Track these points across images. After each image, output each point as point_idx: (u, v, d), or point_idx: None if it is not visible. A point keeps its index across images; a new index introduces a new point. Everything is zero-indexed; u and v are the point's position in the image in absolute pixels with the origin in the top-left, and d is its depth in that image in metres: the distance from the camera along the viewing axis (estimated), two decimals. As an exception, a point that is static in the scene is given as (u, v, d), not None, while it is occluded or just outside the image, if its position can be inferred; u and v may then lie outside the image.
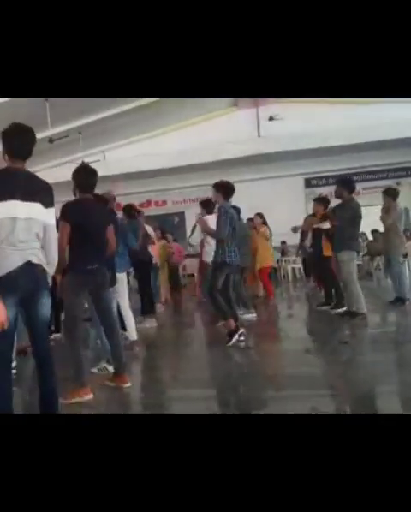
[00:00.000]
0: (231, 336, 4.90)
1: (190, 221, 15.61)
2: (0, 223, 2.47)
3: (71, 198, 3.69)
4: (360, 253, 10.52)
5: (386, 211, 6.75)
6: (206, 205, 6.14)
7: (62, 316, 4.65)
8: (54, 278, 3.46)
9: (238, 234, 5.37)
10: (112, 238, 3.83)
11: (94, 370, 4.06)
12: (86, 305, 4.22)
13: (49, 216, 2.69)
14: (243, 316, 6.14)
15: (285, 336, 5.70)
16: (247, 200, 5.88)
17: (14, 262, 2.47)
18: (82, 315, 3.68)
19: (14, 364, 4.05)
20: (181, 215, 15.81)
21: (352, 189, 6.09)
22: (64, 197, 3.79)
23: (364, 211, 6.06)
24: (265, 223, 8.59)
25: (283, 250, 13.30)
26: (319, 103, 10.72)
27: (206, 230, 5.47)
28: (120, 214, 6.03)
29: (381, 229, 7.53)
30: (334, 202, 6.69)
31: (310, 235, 8.05)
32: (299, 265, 12.59)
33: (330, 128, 11.41)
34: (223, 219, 5.04)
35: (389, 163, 13.73)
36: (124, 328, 5.10)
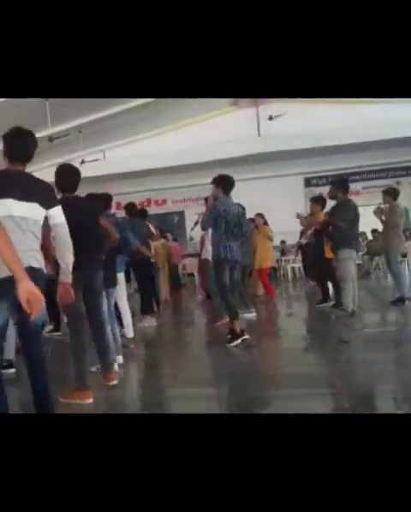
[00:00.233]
0: (233, 337, 4.88)
1: (190, 220, 15.65)
2: None
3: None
4: (360, 253, 10.54)
5: (387, 211, 6.77)
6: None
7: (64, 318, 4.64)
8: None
9: (244, 231, 5.34)
10: (109, 228, 3.76)
11: (93, 369, 4.06)
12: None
13: (55, 215, 2.69)
14: (243, 315, 6.15)
15: (285, 334, 5.71)
16: (246, 199, 5.86)
17: None
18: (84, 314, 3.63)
19: (12, 359, 4.06)
20: (181, 214, 15.82)
21: (346, 189, 6.10)
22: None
23: (364, 210, 6.07)
24: (266, 223, 8.60)
25: (283, 249, 13.31)
26: (320, 102, 10.70)
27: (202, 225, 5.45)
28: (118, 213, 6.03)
29: (381, 228, 7.55)
30: (331, 203, 6.70)
31: (307, 233, 8.11)
32: (299, 265, 12.60)
33: (330, 127, 11.41)
34: (210, 211, 5.05)
35: (389, 163, 13.74)
36: (122, 325, 5.13)
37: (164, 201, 16.08)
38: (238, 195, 5.46)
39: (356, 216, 5.92)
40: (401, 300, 6.62)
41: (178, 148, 12.25)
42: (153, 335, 6.21)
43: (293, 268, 12.82)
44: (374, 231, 11.78)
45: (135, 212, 7.04)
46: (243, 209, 5.64)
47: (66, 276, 2.93)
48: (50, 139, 9.63)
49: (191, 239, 7.86)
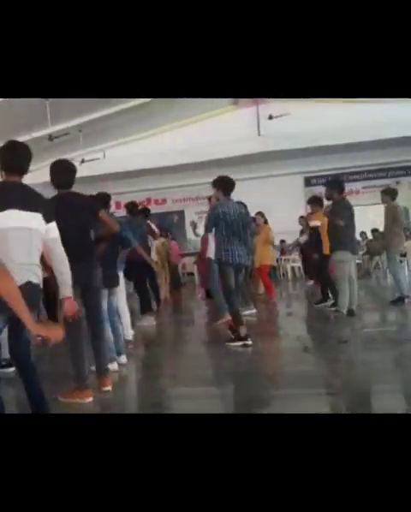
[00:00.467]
0: (235, 338, 4.88)
1: (190, 219, 15.66)
2: None
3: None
4: (360, 252, 10.56)
5: (387, 211, 6.80)
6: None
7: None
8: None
9: (251, 232, 5.34)
10: (108, 220, 3.66)
11: (93, 367, 4.06)
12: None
13: (53, 229, 2.68)
14: (242, 312, 6.14)
15: (284, 334, 5.71)
16: (246, 199, 5.87)
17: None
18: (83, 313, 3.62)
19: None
20: (181, 213, 15.83)
21: (341, 189, 6.16)
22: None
23: (363, 209, 6.10)
24: (266, 222, 8.60)
25: (283, 249, 13.31)
26: (320, 101, 10.69)
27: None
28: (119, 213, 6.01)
29: (381, 228, 7.58)
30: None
31: (306, 233, 8.16)
32: (298, 264, 12.60)
33: (330, 126, 11.40)
34: (209, 213, 5.03)
35: (388, 162, 13.73)
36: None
37: (164, 200, 16.07)
38: (238, 195, 5.45)
39: (351, 215, 5.95)
40: (400, 300, 6.63)
41: (177, 147, 12.24)
42: (153, 334, 6.22)
43: (293, 267, 12.82)
44: (374, 231, 11.79)
45: (136, 211, 7.04)
46: (245, 207, 5.60)
47: (67, 290, 2.86)
48: (50, 138, 9.62)
49: (197, 235, 7.90)
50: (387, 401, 3.04)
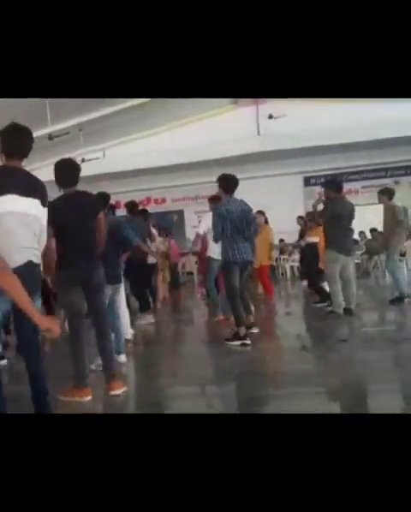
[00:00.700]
0: (234, 337, 4.88)
1: (189, 219, 15.64)
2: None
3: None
4: (358, 252, 10.57)
5: (386, 211, 6.83)
6: (215, 202, 6.09)
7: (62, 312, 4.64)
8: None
9: (254, 230, 5.25)
10: (100, 226, 3.61)
11: (92, 366, 4.06)
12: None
13: (44, 215, 2.69)
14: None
15: (283, 333, 5.72)
16: (246, 198, 5.84)
17: (16, 261, 2.39)
18: (84, 312, 3.60)
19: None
20: (181, 213, 15.82)
21: (339, 189, 6.20)
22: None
23: (362, 209, 6.12)
24: (267, 221, 8.59)
25: (282, 248, 13.31)
26: (319, 101, 10.69)
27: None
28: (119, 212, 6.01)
29: (380, 227, 7.60)
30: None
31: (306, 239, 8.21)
32: (297, 264, 12.60)
33: (329, 126, 11.40)
34: (216, 220, 4.96)
35: (387, 162, 13.74)
36: None
37: (164, 200, 16.06)
38: (238, 194, 5.45)
39: (337, 216, 5.95)
40: (399, 299, 6.65)
41: (177, 147, 12.23)
42: (152, 333, 6.22)
43: (292, 267, 12.81)
44: (373, 230, 11.79)
45: (136, 211, 7.04)
46: (247, 204, 5.59)
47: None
48: (50, 137, 9.60)
49: (198, 235, 7.92)
50: (386, 401, 3.05)
